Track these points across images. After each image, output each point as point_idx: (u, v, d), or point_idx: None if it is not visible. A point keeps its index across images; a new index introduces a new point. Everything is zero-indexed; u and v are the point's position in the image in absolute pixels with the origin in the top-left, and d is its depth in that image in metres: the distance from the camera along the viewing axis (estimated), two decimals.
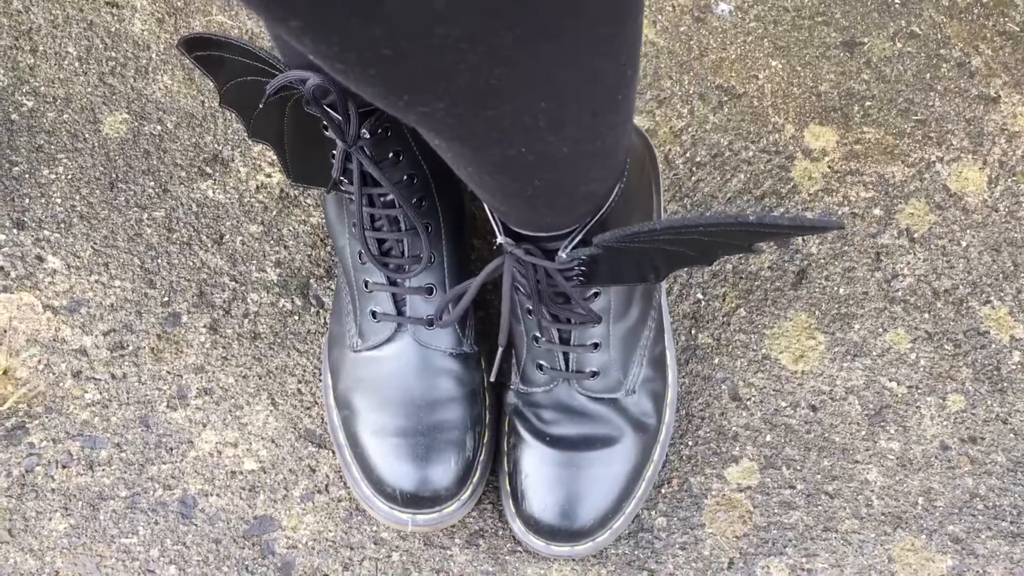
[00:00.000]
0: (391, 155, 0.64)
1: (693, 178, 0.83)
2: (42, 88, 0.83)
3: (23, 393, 0.72)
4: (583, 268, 0.60)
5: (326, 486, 0.71)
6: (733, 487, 0.73)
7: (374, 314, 0.68)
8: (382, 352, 0.67)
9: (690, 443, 0.74)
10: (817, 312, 0.78)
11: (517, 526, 0.67)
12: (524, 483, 0.66)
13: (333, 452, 0.72)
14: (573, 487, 0.65)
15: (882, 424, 0.75)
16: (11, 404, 0.71)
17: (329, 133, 0.62)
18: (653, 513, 0.71)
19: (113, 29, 0.86)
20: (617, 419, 0.67)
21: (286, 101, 0.61)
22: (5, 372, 0.72)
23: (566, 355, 0.67)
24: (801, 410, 0.75)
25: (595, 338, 0.66)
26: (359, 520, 0.70)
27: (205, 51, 0.60)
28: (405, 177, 0.65)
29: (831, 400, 0.76)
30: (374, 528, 0.70)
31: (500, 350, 0.64)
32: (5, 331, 0.74)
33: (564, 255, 0.57)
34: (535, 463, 0.66)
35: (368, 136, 0.61)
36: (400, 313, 0.68)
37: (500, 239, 0.58)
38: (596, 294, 0.65)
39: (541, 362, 0.67)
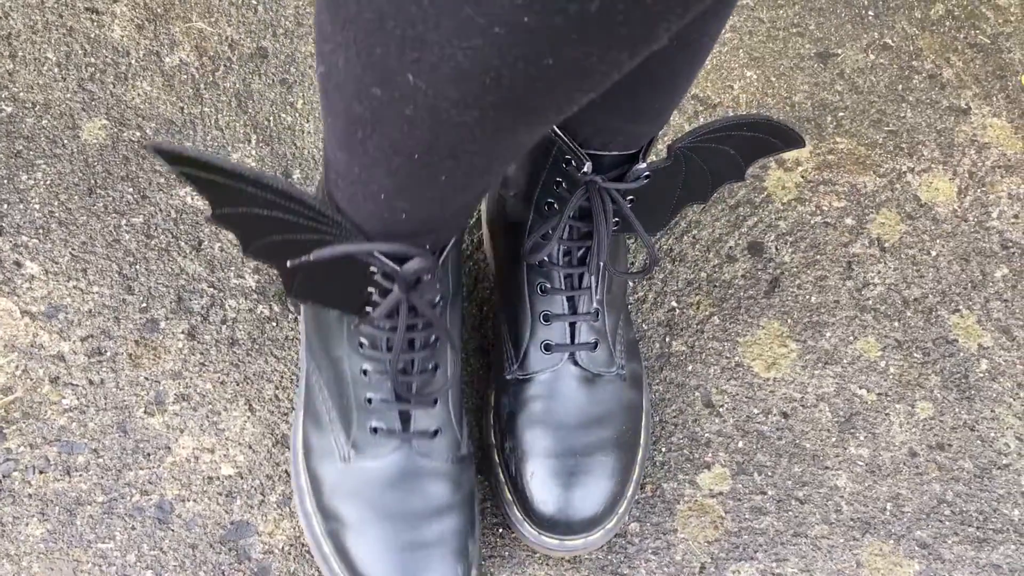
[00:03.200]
0: (431, 284, 0.61)
1: None
2: (21, 94, 0.83)
3: (0, 399, 0.72)
4: (637, 194, 0.65)
5: None
6: (705, 493, 0.74)
7: (375, 430, 0.65)
8: (378, 463, 0.64)
9: (663, 449, 0.75)
10: (789, 320, 0.80)
11: (527, 529, 0.68)
12: (530, 483, 0.67)
13: None
14: (580, 476, 0.66)
15: (852, 431, 0.76)
16: None
17: (375, 294, 0.59)
18: (626, 518, 0.72)
19: (93, 35, 0.86)
20: (611, 399, 0.69)
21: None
22: None
23: (573, 325, 0.68)
24: (773, 417, 0.76)
25: (597, 305, 0.68)
26: None
27: (190, 168, 0.50)
28: (438, 299, 0.63)
29: (802, 407, 0.77)
30: None
31: (595, 276, 0.67)
32: None
33: (642, 166, 0.63)
34: (539, 459, 0.67)
35: (429, 278, 0.59)
36: (405, 429, 0.65)
37: (586, 167, 0.63)
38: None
39: (549, 340, 0.68)
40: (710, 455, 0.75)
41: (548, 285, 0.69)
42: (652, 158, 0.65)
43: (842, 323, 0.80)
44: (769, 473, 0.74)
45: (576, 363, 0.69)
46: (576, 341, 0.69)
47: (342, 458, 0.65)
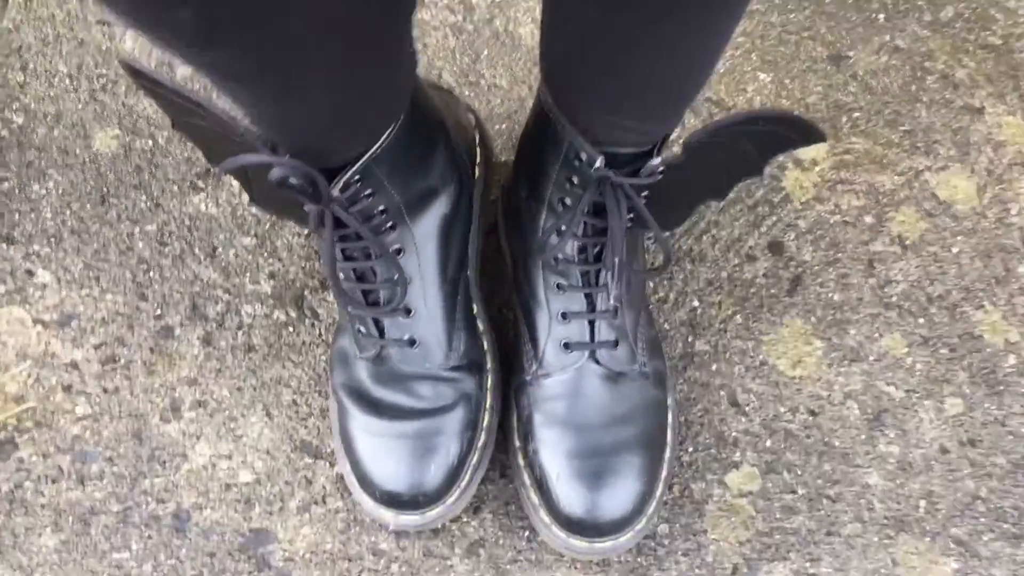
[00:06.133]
0: (364, 198, 0.63)
1: None
2: (32, 105, 0.82)
3: (11, 407, 0.70)
4: (652, 190, 0.64)
5: (323, 497, 0.70)
6: (735, 492, 0.72)
7: (360, 331, 0.68)
8: (369, 364, 0.67)
9: (690, 449, 0.73)
10: (813, 318, 0.79)
11: (554, 533, 0.66)
12: (555, 485, 0.66)
13: (330, 464, 0.71)
14: (607, 476, 0.65)
15: (881, 428, 0.75)
16: (0, 420, 0.70)
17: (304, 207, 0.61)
18: (655, 520, 0.70)
19: (104, 47, 0.86)
20: (635, 397, 0.67)
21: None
22: None
23: (592, 323, 0.67)
24: (800, 415, 0.75)
25: (615, 302, 0.67)
26: (357, 531, 0.69)
27: (151, 84, 0.56)
28: (376, 211, 0.65)
29: (830, 405, 0.75)
30: (373, 539, 0.69)
31: (612, 272, 0.66)
32: None
33: (656, 161, 0.62)
34: (563, 460, 0.65)
35: (339, 194, 0.61)
36: (382, 335, 0.67)
37: (598, 163, 0.62)
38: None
39: (568, 339, 0.67)
40: (738, 454, 0.73)
41: (565, 283, 0.68)
42: (667, 155, 0.64)
43: (866, 320, 0.78)
44: (799, 472, 0.73)
45: (597, 361, 0.67)
46: (596, 339, 0.67)
47: (353, 353, 0.68)
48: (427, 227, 0.68)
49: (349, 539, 0.69)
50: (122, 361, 0.73)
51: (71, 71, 0.84)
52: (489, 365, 0.70)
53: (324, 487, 0.70)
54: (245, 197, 0.80)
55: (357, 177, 0.61)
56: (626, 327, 0.68)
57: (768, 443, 0.74)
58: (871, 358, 0.77)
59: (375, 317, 0.67)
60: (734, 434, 0.74)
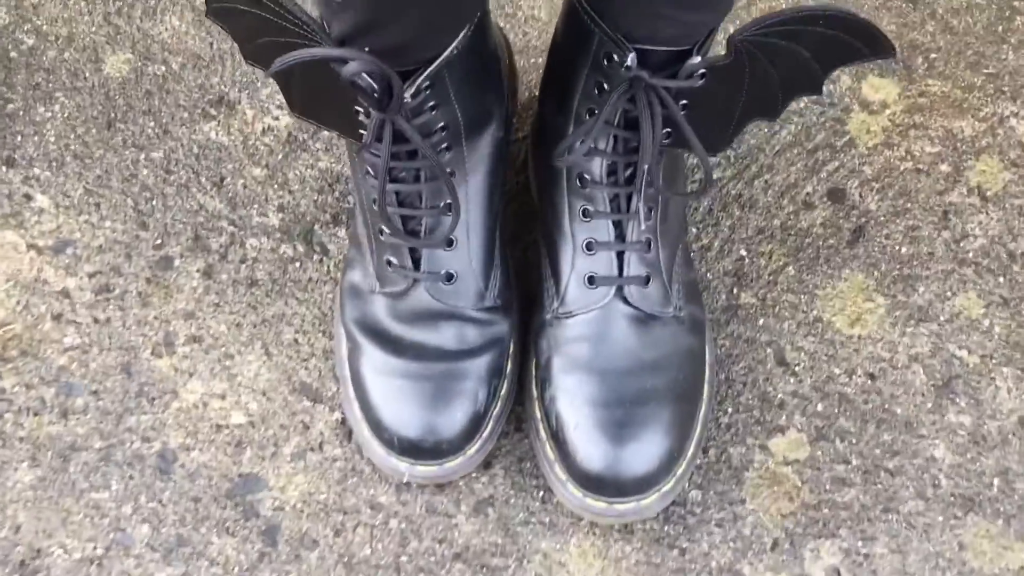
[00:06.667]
0: (428, 109, 0.57)
1: None
2: (44, 27, 0.78)
3: None
4: (691, 99, 0.57)
5: (320, 444, 0.64)
6: (779, 460, 0.64)
7: (390, 263, 0.61)
8: (395, 299, 0.61)
9: (729, 410, 0.66)
10: (876, 273, 0.70)
11: (570, 492, 0.59)
12: (573, 436, 0.58)
13: (330, 408, 0.65)
14: (631, 428, 0.58)
15: (951, 396, 0.66)
16: None
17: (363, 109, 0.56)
18: (686, 483, 0.62)
19: None
20: (667, 343, 0.60)
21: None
22: None
23: (621, 255, 0.60)
24: (857, 378, 0.66)
25: (648, 233, 0.60)
26: (355, 482, 0.63)
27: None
28: (436, 127, 0.59)
29: (892, 368, 0.67)
30: (371, 492, 0.63)
31: (642, 195, 0.59)
32: None
33: (696, 60, 0.54)
34: (583, 408, 0.58)
35: (410, 100, 0.55)
36: (416, 267, 0.61)
37: (629, 60, 0.54)
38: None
39: (593, 273, 0.60)
40: (784, 418, 0.65)
41: (591, 208, 0.60)
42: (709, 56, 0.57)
43: (937, 277, 0.70)
44: (854, 440, 0.64)
45: (626, 301, 0.60)
46: (625, 274, 0.60)
47: (369, 288, 0.62)
48: (480, 151, 0.62)
49: (346, 490, 0.63)
50: (116, 291, 0.68)
51: None
52: (514, 303, 0.63)
53: (322, 433, 0.64)
54: (258, 126, 0.75)
55: (428, 84, 0.55)
56: (660, 263, 0.61)
57: (819, 407, 0.65)
58: (942, 318, 0.68)
59: (412, 247, 0.60)
60: (780, 396, 0.66)
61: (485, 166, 0.62)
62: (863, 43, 0.55)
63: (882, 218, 0.72)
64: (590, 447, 0.58)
